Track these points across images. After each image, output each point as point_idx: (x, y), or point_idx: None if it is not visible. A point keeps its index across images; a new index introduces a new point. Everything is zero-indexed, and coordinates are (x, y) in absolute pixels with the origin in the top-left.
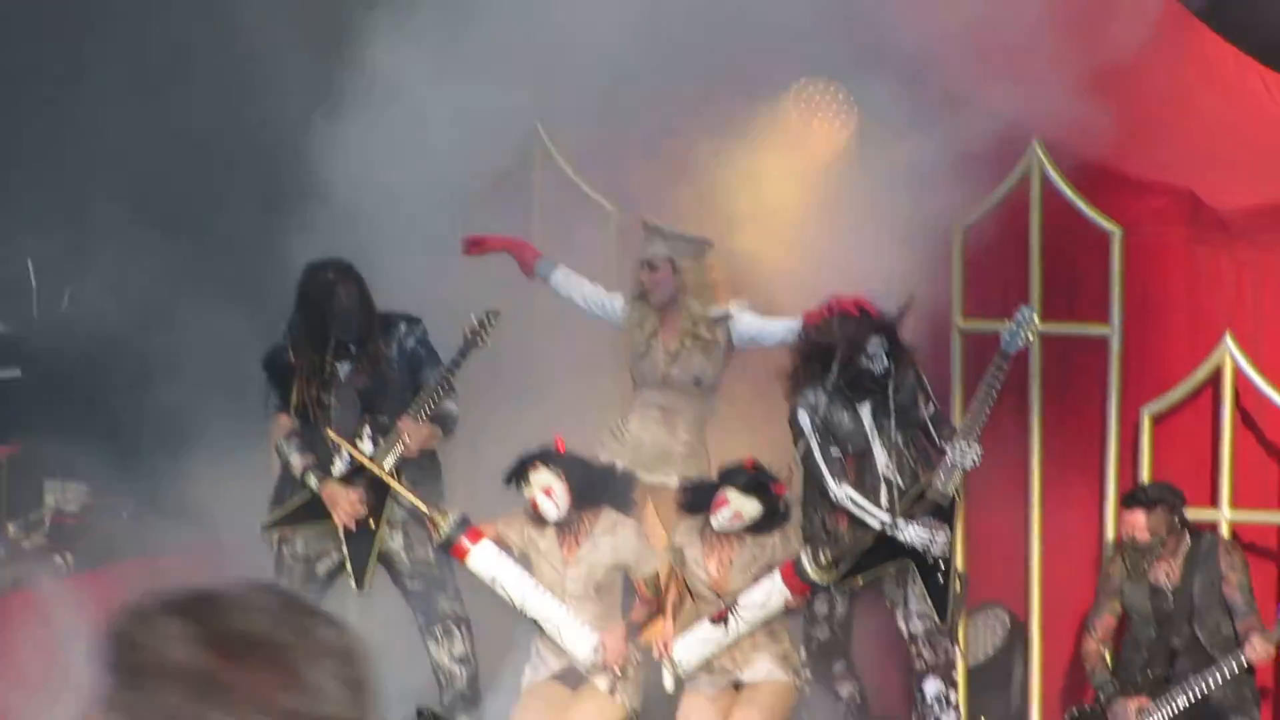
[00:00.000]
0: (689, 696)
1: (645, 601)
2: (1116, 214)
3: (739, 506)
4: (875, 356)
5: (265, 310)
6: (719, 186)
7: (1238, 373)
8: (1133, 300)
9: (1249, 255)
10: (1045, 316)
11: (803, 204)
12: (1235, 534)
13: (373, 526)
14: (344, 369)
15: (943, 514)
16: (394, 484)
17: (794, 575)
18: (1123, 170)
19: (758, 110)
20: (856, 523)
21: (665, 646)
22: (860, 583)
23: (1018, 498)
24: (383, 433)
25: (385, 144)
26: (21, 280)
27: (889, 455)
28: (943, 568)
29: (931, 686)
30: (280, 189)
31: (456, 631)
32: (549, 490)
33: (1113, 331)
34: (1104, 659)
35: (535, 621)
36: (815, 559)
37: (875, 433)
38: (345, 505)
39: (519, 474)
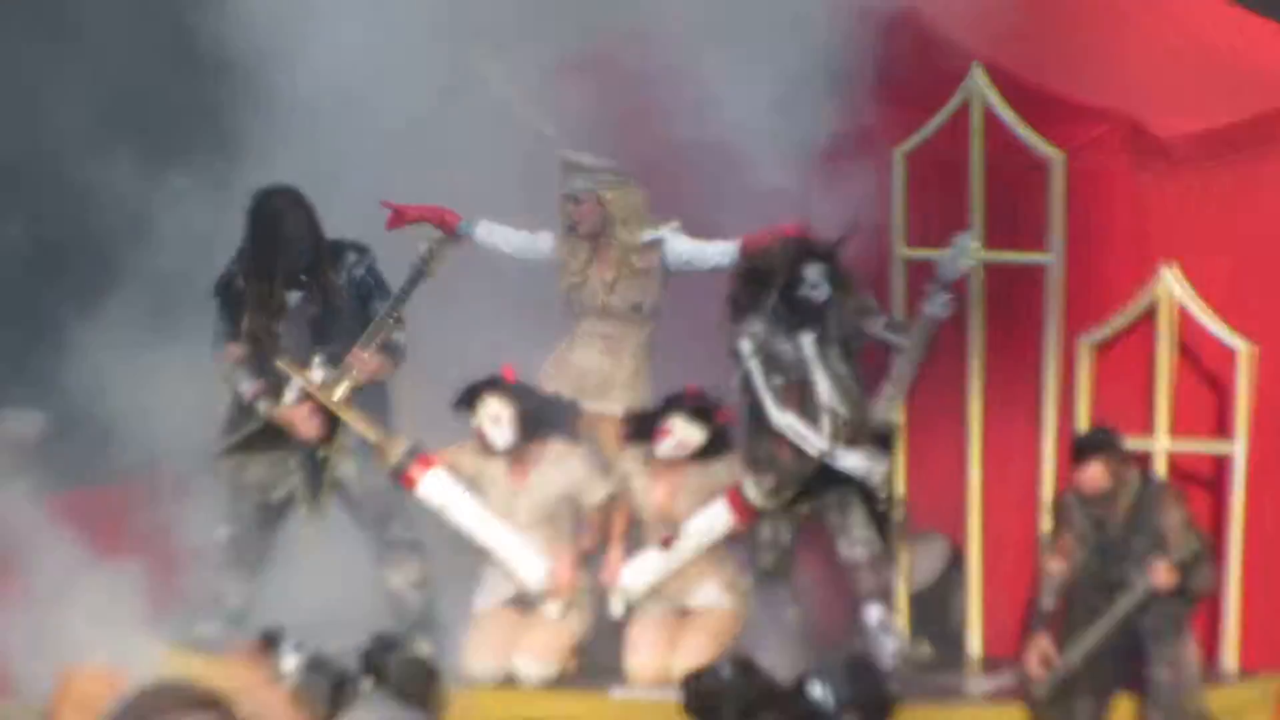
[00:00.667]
0: (637, 622)
1: (593, 528)
2: (1058, 140)
3: (684, 434)
4: (817, 285)
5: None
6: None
7: (1178, 303)
8: (1074, 228)
9: (1191, 183)
10: (987, 244)
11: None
12: (1172, 462)
13: (324, 455)
14: (293, 298)
15: (884, 442)
16: (344, 413)
17: (739, 501)
18: (1064, 96)
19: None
20: (799, 450)
21: (613, 573)
22: (804, 510)
23: (957, 426)
24: (333, 362)
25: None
26: None
27: (831, 384)
28: (883, 496)
29: (873, 611)
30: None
31: (410, 558)
32: (498, 417)
33: (1053, 259)
34: (1055, 589)
35: (485, 548)
36: (759, 485)
37: (817, 361)
38: (301, 425)
39: (469, 401)
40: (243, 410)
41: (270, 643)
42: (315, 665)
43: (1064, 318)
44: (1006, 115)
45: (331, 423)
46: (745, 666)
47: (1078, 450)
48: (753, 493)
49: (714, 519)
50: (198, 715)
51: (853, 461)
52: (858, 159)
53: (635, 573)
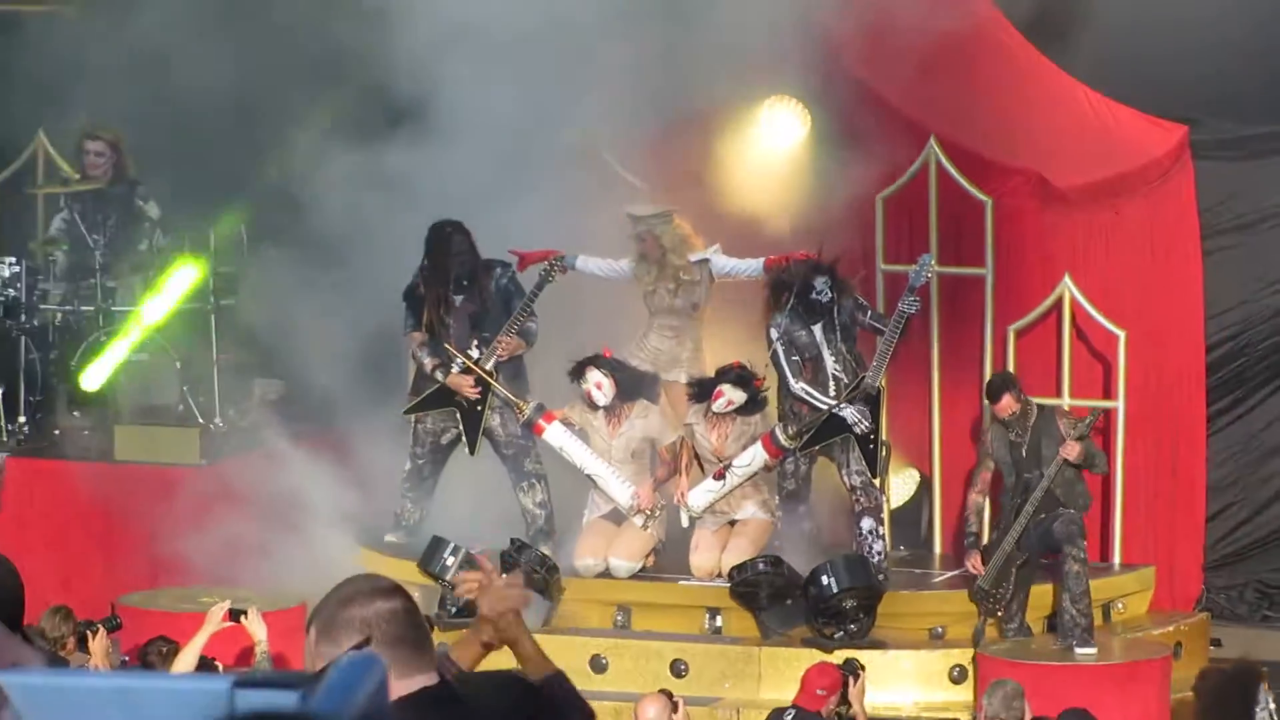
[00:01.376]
0: (699, 530)
1: (666, 464)
2: (989, 189)
3: (731, 396)
4: (821, 291)
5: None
6: (716, 168)
7: (1074, 302)
8: (1001, 250)
9: (1081, 218)
10: (940, 261)
11: (772, 183)
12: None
13: (480, 410)
14: (458, 299)
15: (873, 400)
16: (492, 381)
17: (771, 443)
18: (993, 159)
19: (743, 115)
20: (813, 407)
21: (682, 495)
22: (816, 449)
23: (924, 389)
24: (485, 345)
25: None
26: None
27: (836, 360)
28: (873, 438)
29: (866, 522)
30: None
31: (538, 485)
32: (599, 384)
33: (987, 271)
34: (979, 512)
35: (591, 478)
36: (785, 432)
37: (825, 344)
38: (465, 388)
39: (578, 373)
40: (423, 378)
41: (436, 546)
42: (467, 562)
43: (995, 312)
44: (953, 171)
45: (483, 388)
46: (775, 562)
47: (991, 389)
48: (781, 437)
49: (753, 456)
50: (388, 600)
51: (849, 414)
52: (850, 203)
53: (697, 495)
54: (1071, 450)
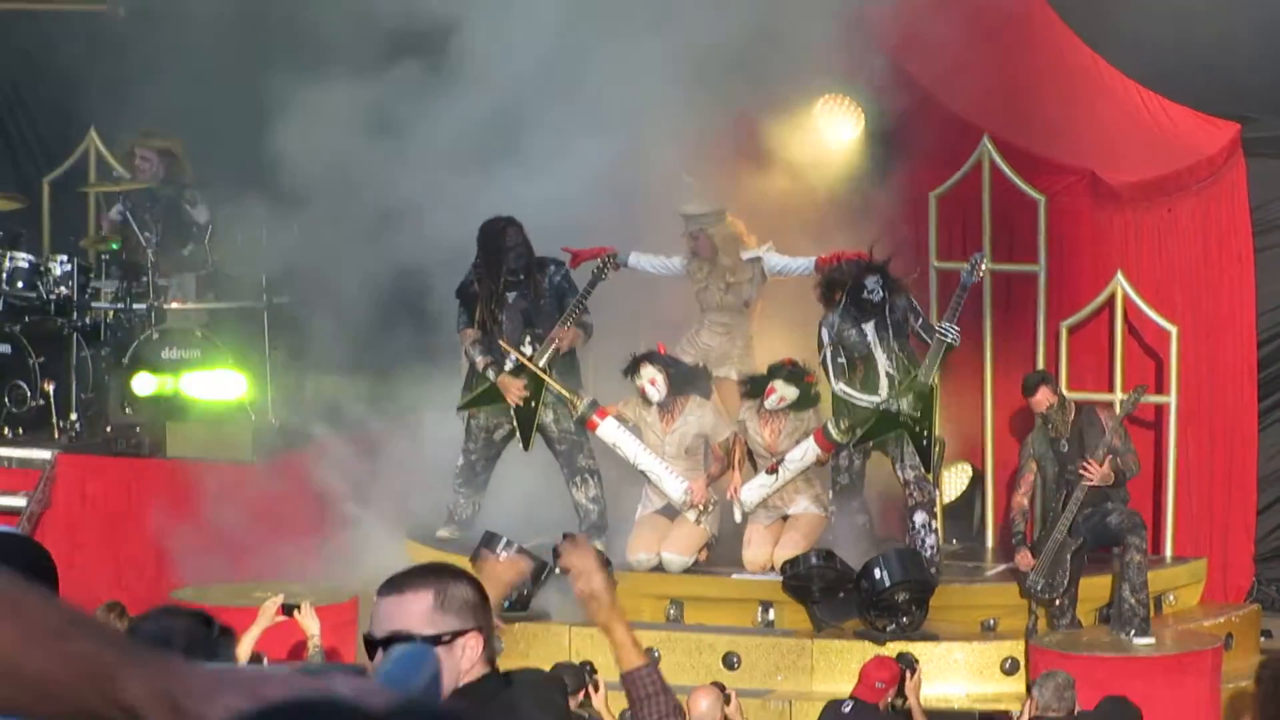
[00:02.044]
0: (751, 525)
1: (719, 459)
2: (1042, 186)
3: (783, 392)
4: (873, 291)
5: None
6: (770, 166)
7: (1126, 298)
8: (1054, 247)
9: (1133, 215)
10: (993, 259)
11: (825, 181)
12: (1120, 405)
13: (533, 405)
14: (511, 295)
15: (925, 397)
16: (545, 377)
17: (823, 438)
18: (1046, 157)
19: (797, 113)
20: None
21: (734, 490)
22: (870, 444)
23: (978, 386)
24: (538, 341)
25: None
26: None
27: (888, 358)
28: (926, 434)
29: (920, 516)
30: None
31: (591, 480)
32: (653, 380)
33: (1040, 269)
34: (1023, 513)
35: (644, 473)
36: (838, 426)
37: (877, 343)
38: (513, 390)
39: (632, 369)
40: (476, 375)
41: (488, 541)
42: (521, 555)
43: (1048, 309)
44: (1007, 169)
45: (537, 384)
46: (828, 556)
47: (1027, 385)
48: (833, 431)
49: (806, 451)
50: (459, 582)
51: (897, 407)
52: (904, 200)
53: (750, 490)
54: (1095, 471)
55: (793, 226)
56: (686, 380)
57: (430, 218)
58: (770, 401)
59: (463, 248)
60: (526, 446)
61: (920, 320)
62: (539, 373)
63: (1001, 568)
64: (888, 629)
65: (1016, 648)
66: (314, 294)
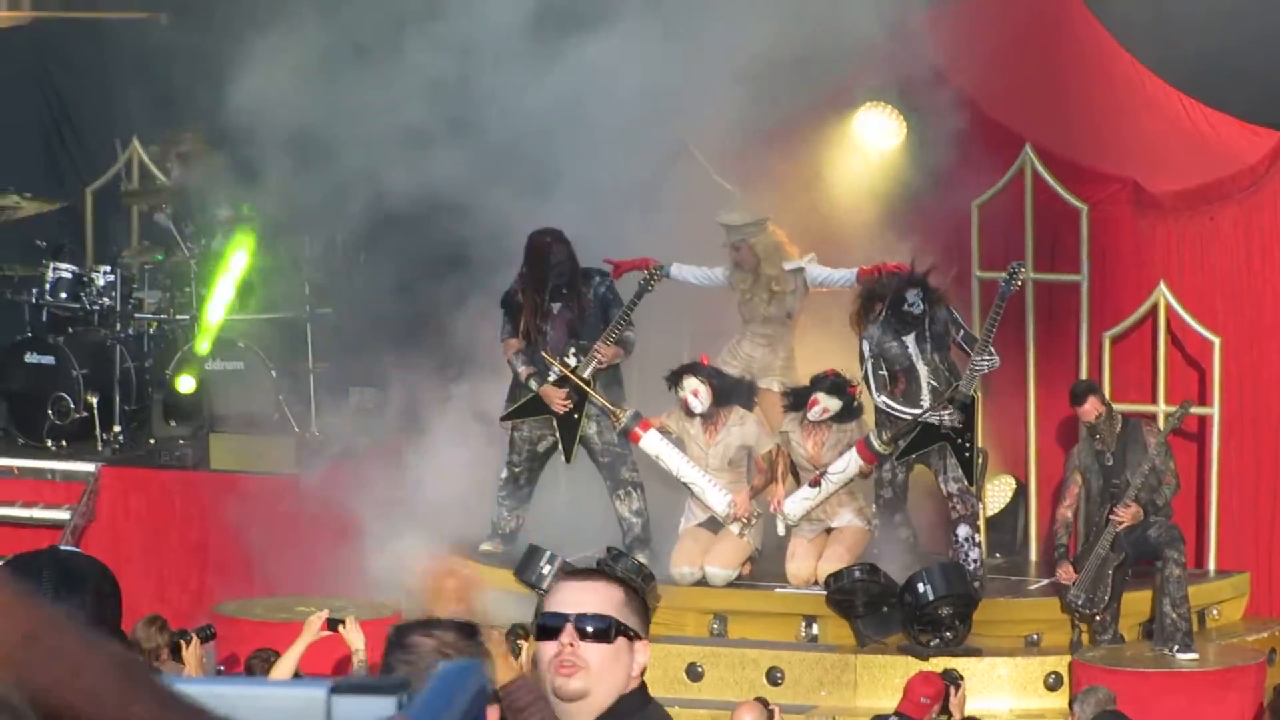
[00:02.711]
0: (795, 538)
1: (763, 472)
2: (1084, 196)
3: (826, 404)
4: (913, 304)
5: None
6: (807, 180)
7: (1169, 308)
8: (1096, 256)
9: (1175, 224)
10: (1035, 268)
11: (867, 190)
12: (1165, 419)
13: (576, 417)
14: (556, 307)
15: (967, 409)
16: (588, 390)
17: (866, 450)
18: (1089, 166)
19: (839, 120)
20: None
21: (778, 503)
22: (913, 456)
23: (1021, 397)
24: (582, 352)
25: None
26: (331, 248)
27: (929, 371)
28: (968, 447)
29: (963, 529)
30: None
31: (634, 493)
32: (696, 392)
33: (1083, 278)
34: (1066, 526)
35: (687, 485)
36: (880, 438)
37: (918, 356)
38: (556, 401)
39: (675, 380)
40: (519, 386)
41: (532, 555)
42: (564, 569)
43: (1091, 319)
44: (1049, 178)
45: (579, 396)
46: (871, 570)
47: (1075, 393)
48: (876, 443)
49: (849, 463)
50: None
51: (938, 419)
52: (946, 209)
53: (794, 503)
54: (1125, 515)
55: (834, 237)
56: (730, 392)
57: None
58: (813, 413)
59: (499, 259)
60: (569, 459)
61: (962, 332)
62: (582, 384)
63: (1045, 582)
64: (931, 644)
65: (1060, 663)
66: (356, 305)
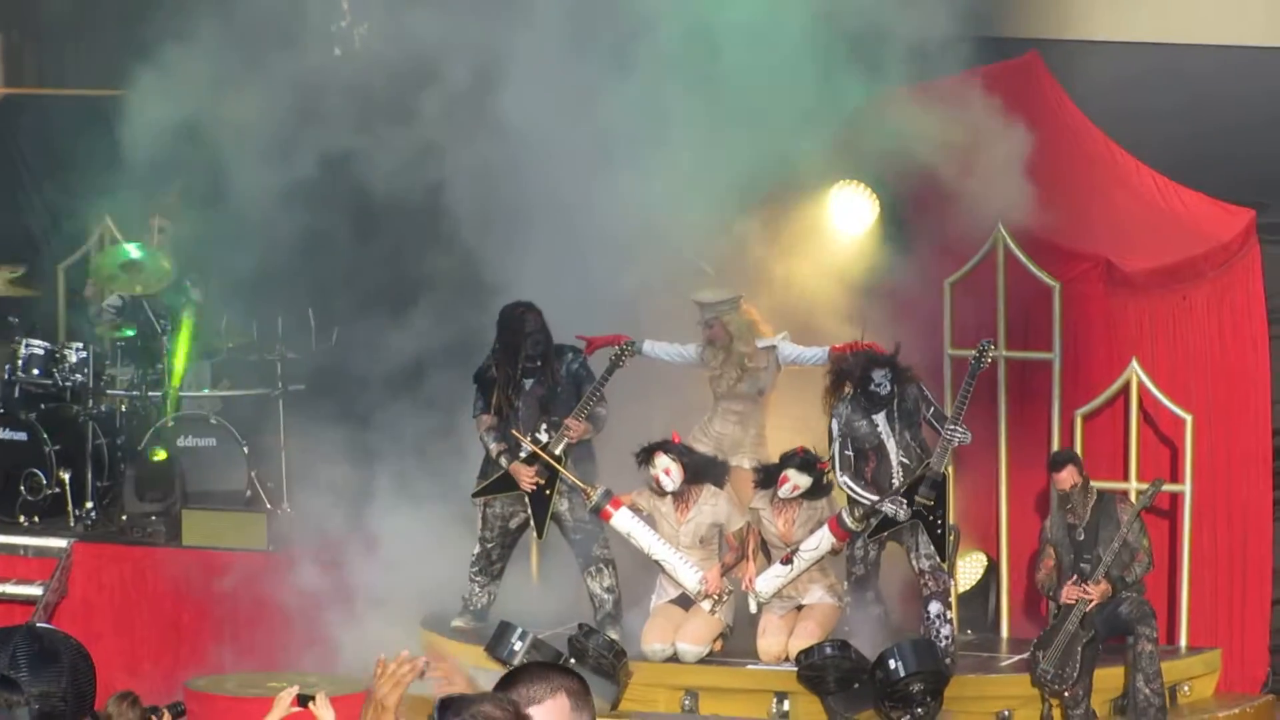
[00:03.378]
0: (766, 615)
1: (734, 549)
2: (1056, 273)
3: (796, 481)
4: (880, 384)
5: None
6: (779, 259)
7: (1141, 386)
8: (1068, 334)
9: (1148, 302)
10: (1008, 346)
11: (840, 269)
12: (1137, 496)
13: (548, 494)
14: (528, 383)
15: (939, 485)
16: (558, 467)
17: (838, 527)
18: (1060, 244)
19: (807, 202)
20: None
21: (749, 581)
22: (884, 534)
23: (992, 476)
24: (554, 428)
25: None
26: (304, 323)
27: (899, 449)
28: (940, 523)
29: (935, 606)
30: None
31: (605, 570)
32: (668, 470)
33: (1054, 356)
34: (1047, 584)
35: (658, 562)
36: (852, 515)
37: (889, 434)
38: (525, 479)
39: (646, 458)
40: (490, 462)
41: (504, 631)
42: (536, 646)
43: (1063, 396)
44: (1021, 256)
45: (549, 474)
46: (843, 646)
47: (1054, 462)
48: (848, 520)
49: (820, 540)
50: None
51: (889, 508)
52: (919, 288)
53: (765, 580)
54: (1095, 591)
55: (805, 314)
56: (701, 470)
57: (445, 301)
58: (784, 491)
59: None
60: (540, 535)
61: (932, 409)
62: (552, 461)
63: (1016, 659)
64: None
65: None
66: (327, 382)
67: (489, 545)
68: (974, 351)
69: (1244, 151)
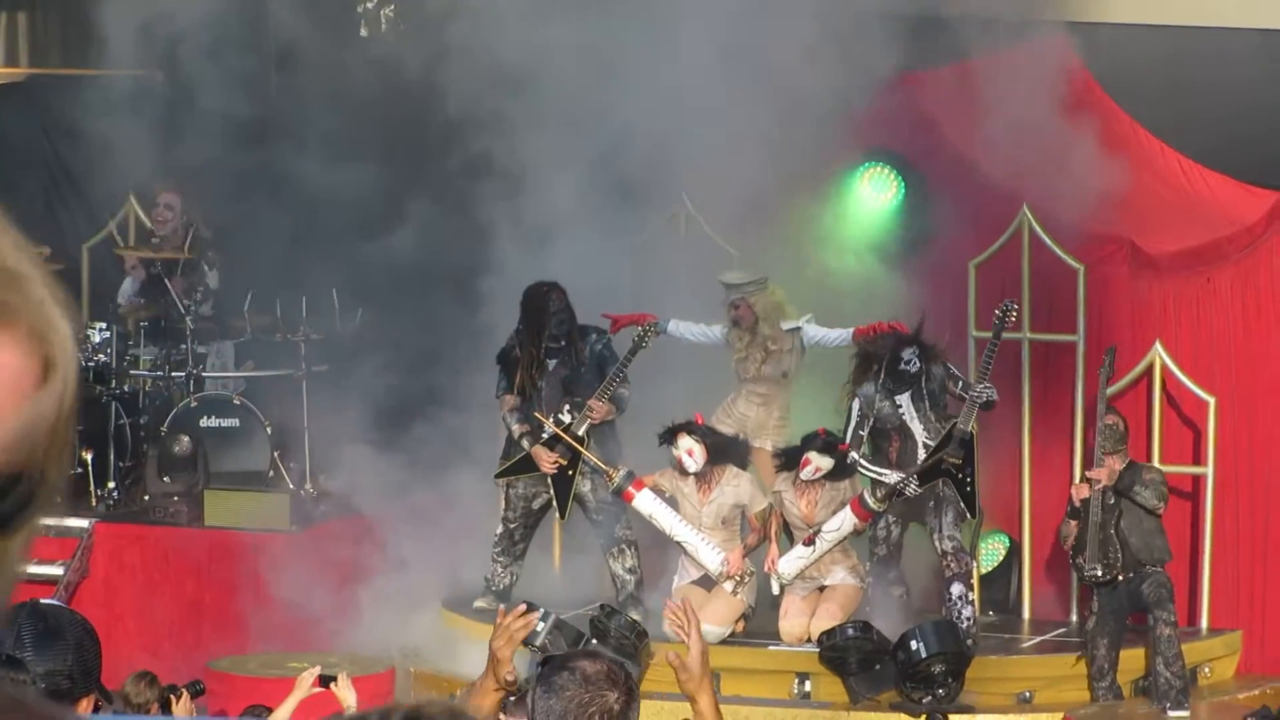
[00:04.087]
0: (788, 596)
1: (756, 530)
2: (1081, 256)
3: (819, 463)
4: (910, 361)
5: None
6: (807, 235)
7: (1165, 368)
8: (1092, 316)
9: (1172, 285)
10: (1032, 328)
11: (868, 248)
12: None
13: (571, 474)
14: (552, 363)
15: (966, 444)
16: (580, 448)
17: (860, 508)
18: (1086, 226)
19: (838, 180)
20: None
21: (772, 562)
22: (908, 514)
23: (1015, 456)
24: (577, 409)
25: None
26: (328, 303)
27: (924, 428)
28: (969, 480)
29: (957, 588)
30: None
31: (627, 551)
32: (690, 451)
33: (1079, 338)
34: (1073, 533)
35: (680, 544)
36: (874, 495)
37: (913, 414)
38: (546, 460)
39: (669, 439)
40: (513, 443)
41: (528, 611)
42: (559, 627)
43: (1086, 379)
44: (1046, 238)
45: (571, 455)
46: (864, 627)
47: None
48: (870, 500)
49: (842, 521)
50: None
51: (912, 489)
52: (943, 270)
53: (788, 562)
54: (1100, 473)
55: (831, 295)
56: (724, 451)
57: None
58: (806, 473)
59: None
60: (563, 516)
61: (960, 383)
62: (574, 443)
63: (1038, 639)
64: (924, 701)
65: None
66: (350, 361)
67: (512, 525)
68: (996, 311)
69: (1269, 134)
